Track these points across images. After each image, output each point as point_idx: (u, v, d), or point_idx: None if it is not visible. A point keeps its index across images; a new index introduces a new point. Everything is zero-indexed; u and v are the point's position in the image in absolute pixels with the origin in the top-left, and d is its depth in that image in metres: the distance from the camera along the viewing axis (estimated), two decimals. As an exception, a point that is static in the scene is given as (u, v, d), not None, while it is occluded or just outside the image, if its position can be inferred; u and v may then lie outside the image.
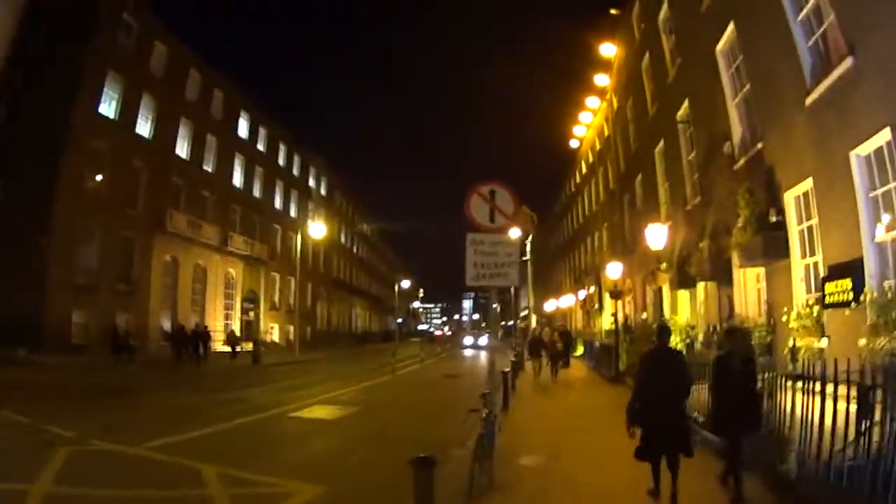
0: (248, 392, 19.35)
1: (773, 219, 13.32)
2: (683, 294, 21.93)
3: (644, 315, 27.26)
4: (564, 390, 19.71)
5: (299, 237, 42.61)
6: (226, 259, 40.69)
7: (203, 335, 31.64)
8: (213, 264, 39.37)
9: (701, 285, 19.35)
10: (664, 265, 19.13)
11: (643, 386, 7.02)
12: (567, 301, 48.68)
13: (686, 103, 20.91)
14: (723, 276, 16.99)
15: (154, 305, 33.63)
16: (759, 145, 14.66)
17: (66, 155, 28.17)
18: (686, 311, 21.86)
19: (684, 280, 19.61)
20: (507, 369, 15.77)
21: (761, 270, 14.98)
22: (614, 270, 25.14)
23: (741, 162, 15.80)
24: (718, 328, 16.38)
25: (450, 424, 8.33)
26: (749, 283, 15.98)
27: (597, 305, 37.08)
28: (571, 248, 51.03)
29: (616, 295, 24.61)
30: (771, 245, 13.08)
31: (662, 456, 6.78)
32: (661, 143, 24.64)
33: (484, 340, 59.16)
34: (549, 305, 57.42)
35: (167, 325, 34.59)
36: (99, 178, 30.24)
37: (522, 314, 74.98)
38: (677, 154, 22.34)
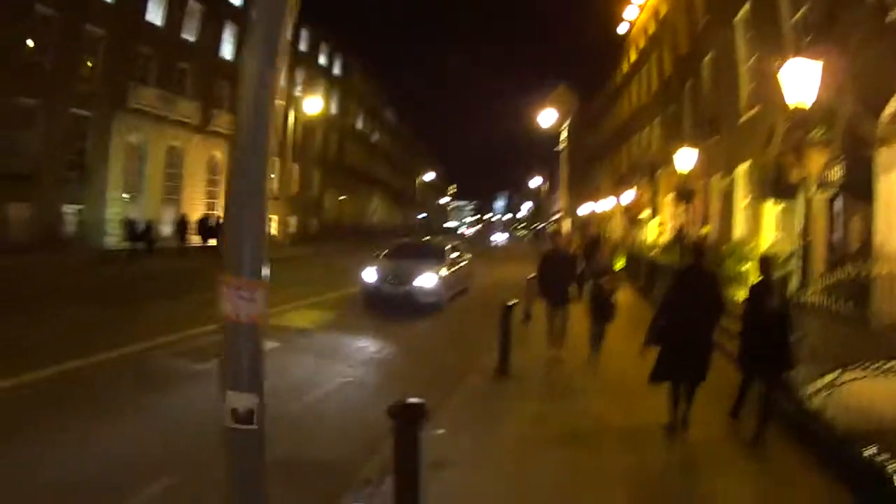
0: (172, 302, 14.81)
1: None
2: (771, 209, 16.01)
3: (704, 230, 21.40)
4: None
5: (292, 113, 36.24)
6: (209, 140, 35.01)
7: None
8: (192, 146, 33.78)
9: (804, 195, 13.44)
10: (820, 131, 11.12)
11: (671, 304, 6.71)
12: (606, 205, 42.51)
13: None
14: (856, 184, 11.00)
15: (114, 195, 28.51)
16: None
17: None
18: (771, 230, 16.04)
19: (781, 187, 13.61)
20: (513, 302, 9.38)
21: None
22: (685, 160, 17.85)
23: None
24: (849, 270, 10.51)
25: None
26: (902, 199, 10.09)
27: (648, 210, 30.98)
28: (614, 146, 45.47)
29: (685, 195, 17.95)
30: None
31: (679, 382, 6.54)
32: (746, 9, 18.56)
33: None
34: (585, 209, 51.36)
35: (137, 216, 29.71)
36: (31, 44, 24.60)
37: (554, 217, 69.61)
38: (771, 17, 16.27)
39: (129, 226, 27.24)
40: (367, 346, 11.29)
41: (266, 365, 2.54)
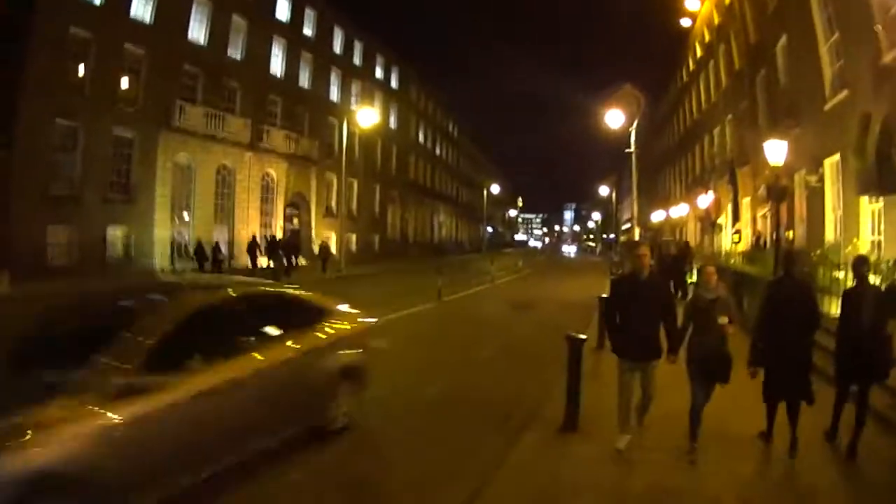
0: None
1: None
2: (867, 207, 13.60)
3: (789, 234, 18.90)
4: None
5: (345, 125, 34.86)
6: (261, 158, 34.28)
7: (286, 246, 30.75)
8: (244, 165, 33.06)
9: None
10: None
11: (766, 321, 6.06)
12: (678, 211, 39.59)
13: None
14: None
15: (161, 216, 27.98)
16: None
17: (36, 41, 22.33)
18: (868, 230, 13.64)
19: (884, 179, 11.32)
20: (583, 336, 6.93)
21: None
22: (777, 152, 14.10)
23: None
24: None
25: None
26: None
27: (723, 215, 28.38)
28: (684, 149, 42.63)
29: (778, 194, 15.11)
30: None
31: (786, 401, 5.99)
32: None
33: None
34: (657, 216, 48.48)
35: (186, 237, 29.30)
36: (81, 71, 24.56)
37: (624, 227, 66.75)
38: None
39: (196, 247, 27.23)
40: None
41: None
